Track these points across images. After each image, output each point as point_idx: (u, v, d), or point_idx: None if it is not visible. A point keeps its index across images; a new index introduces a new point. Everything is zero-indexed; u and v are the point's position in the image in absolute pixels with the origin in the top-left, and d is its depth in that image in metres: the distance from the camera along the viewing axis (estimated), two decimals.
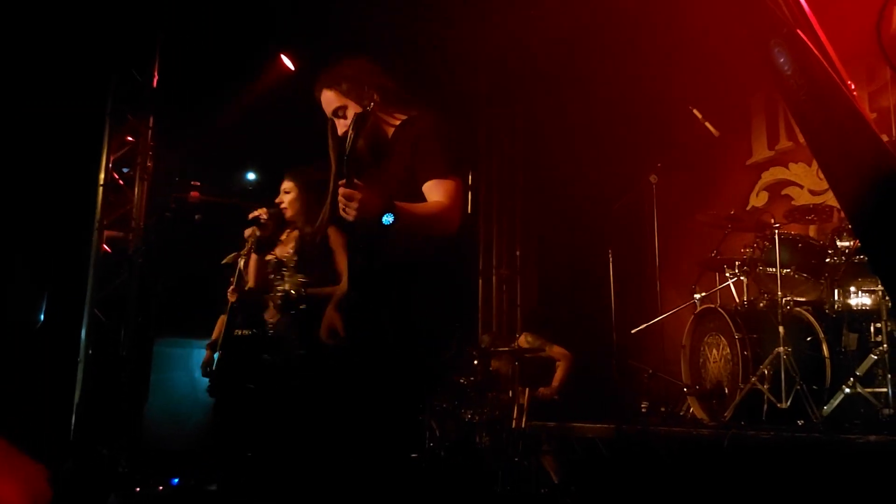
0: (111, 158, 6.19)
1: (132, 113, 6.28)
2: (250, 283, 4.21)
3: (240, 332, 4.81)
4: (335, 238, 4.05)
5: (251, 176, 8.01)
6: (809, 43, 1.17)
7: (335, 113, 2.69)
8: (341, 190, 2.26)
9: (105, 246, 6.12)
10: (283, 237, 4.22)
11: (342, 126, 2.66)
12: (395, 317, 2.49)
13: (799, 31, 1.19)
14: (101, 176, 6.13)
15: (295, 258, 4.08)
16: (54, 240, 5.97)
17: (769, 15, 1.22)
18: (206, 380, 4.96)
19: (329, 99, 2.70)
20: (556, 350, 5.88)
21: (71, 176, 6.11)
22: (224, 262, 4.92)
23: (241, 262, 4.79)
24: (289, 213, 4.11)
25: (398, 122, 2.70)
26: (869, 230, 1.07)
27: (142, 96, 6.30)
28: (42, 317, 6.01)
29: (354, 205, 2.23)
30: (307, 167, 4.19)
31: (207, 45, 6.37)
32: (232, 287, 4.77)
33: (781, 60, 1.21)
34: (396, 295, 2.50)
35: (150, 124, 6.33)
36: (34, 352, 5.68)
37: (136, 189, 6.24)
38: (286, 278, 4.07)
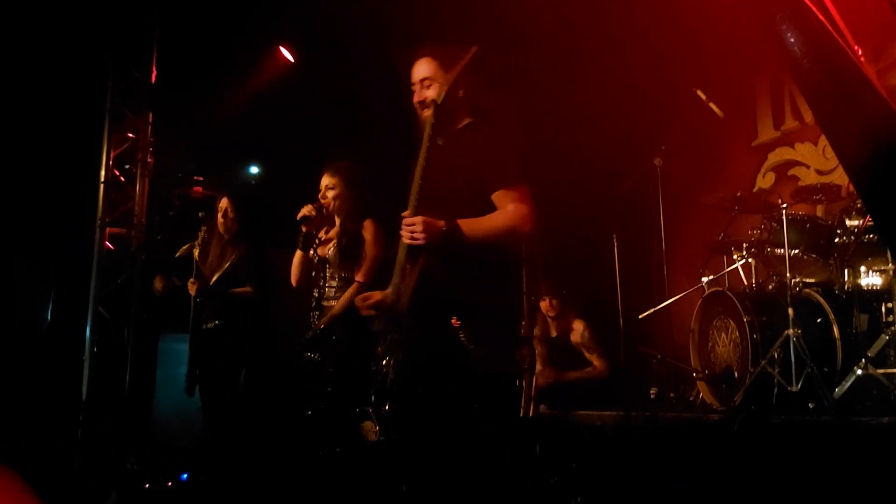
0: (111, 155, 6.15)
1: (131, 109, 6.23)
2: (294, 281, 4.22)
3: (207, 326, 4.84)
4: (369, 230, 4.13)
5: (254, 169, 7.98)
6: (814, 8, 1.11)
7: (421, 82, 2.70)
8: (405, 220, 2.42)
9: (108, 243, 6.09)
10: (322, 235, 4.24)
11: (418, 95, 2.71)
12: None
13: None
14: (102, 173, 6.09)
15: (338, 256, 4.12)
16: (57, 239, 5.96)
17: None
18: None
19: (422, 68, 2.71)
20: (598, 358, 5.60)
21: (72, 174, 6.08)
22: (178, 254, 4.94)
23: (196, 253, 4.83)
24: (332, 208, 4.13)
25: (463, 124, 2.73)
26: (879, 199, 1.02)
27: (140, 92, 6.26)
28: (49, 316, 6.01)
29: (419, 228, 2.39)
30: (348, 161, 4.20)
31: (205, 39, 6.31)
32: (191, 280, 4.79)
33: (784, 27, 1.16)
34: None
35: (150, 120, 6.28)
36: (40, 351, 5.67)
37: (138, 185, 6.20)
38: (328, 277, 4.13)
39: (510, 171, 2.59)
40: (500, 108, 2.74)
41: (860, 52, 1.11)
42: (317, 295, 4.12)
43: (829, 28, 1.10)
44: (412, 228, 2.41)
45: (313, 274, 4.16)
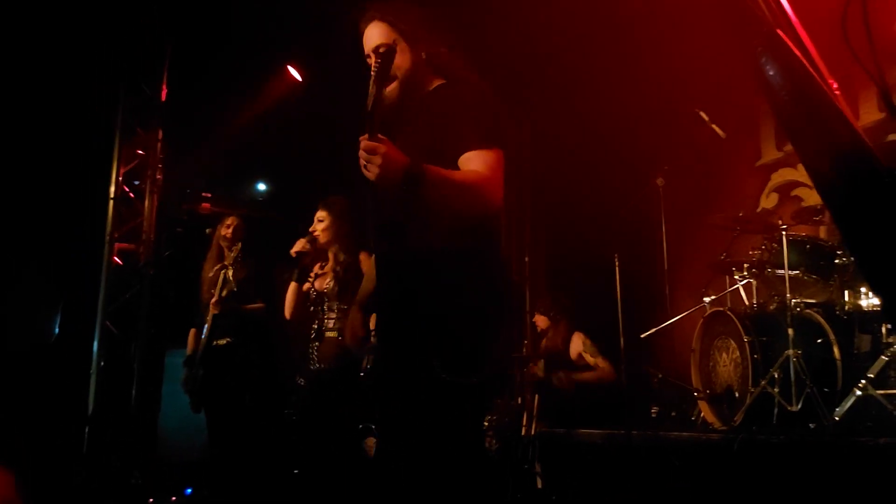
0: (121, 172, 6.23)
1: (142, 126, 6.33)
2: (287, 314, 4.30)
3: (218, 343, 4.92)
4: (365, 262, 4.14)
5: (261, 186, 8.08)
6: (789, 42, 1.16)
7: (376, 50, 2.27)
8: (363, 143, 1.95)
9: (116, 258, 6.16)
10: (317, 269, 4.33)
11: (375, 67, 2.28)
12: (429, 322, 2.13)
13: (779, 31, 1.18)
14: (112, 189, 6.18)
15: (336, 289, 4.18)
16: (66, 253, 6.03)
17: (750, 15, 1.22)
18: None
19: (374, 33, 2.33)
20: (603, 360, 5.63)
21: (82, 189, 6.16)
22: (210, 274, 5.02)
23: (223, 274, 4.91)
24: (322, 241, 4.22)
25: (433, 87, 2.36)
26: (853, 229, 1.07)
27: (151, 109, 6.35)
28: (57, 330, 6.06)
29: (377, 160, 1.93)
30: (339, 197, 4.28)
31: (215, 58, 6.41)
32: (215, 298, 4.87)
33: (764, 61, 1.21)
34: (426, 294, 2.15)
35: (160, 137, 6.37)
36: (47, 364, 5.73)
37: (147, 202, 6.28)
38: (327, 310, 4.19)
39: (484, 129, 2.17)
40: (471, 69, 2.36)
41: (835, 86, 1.15)
42: (316, 327, 4.19)
43: (805, 62, 1.15)
44: (369, 157, 1.94)
45: (311, 308, 4.24)
